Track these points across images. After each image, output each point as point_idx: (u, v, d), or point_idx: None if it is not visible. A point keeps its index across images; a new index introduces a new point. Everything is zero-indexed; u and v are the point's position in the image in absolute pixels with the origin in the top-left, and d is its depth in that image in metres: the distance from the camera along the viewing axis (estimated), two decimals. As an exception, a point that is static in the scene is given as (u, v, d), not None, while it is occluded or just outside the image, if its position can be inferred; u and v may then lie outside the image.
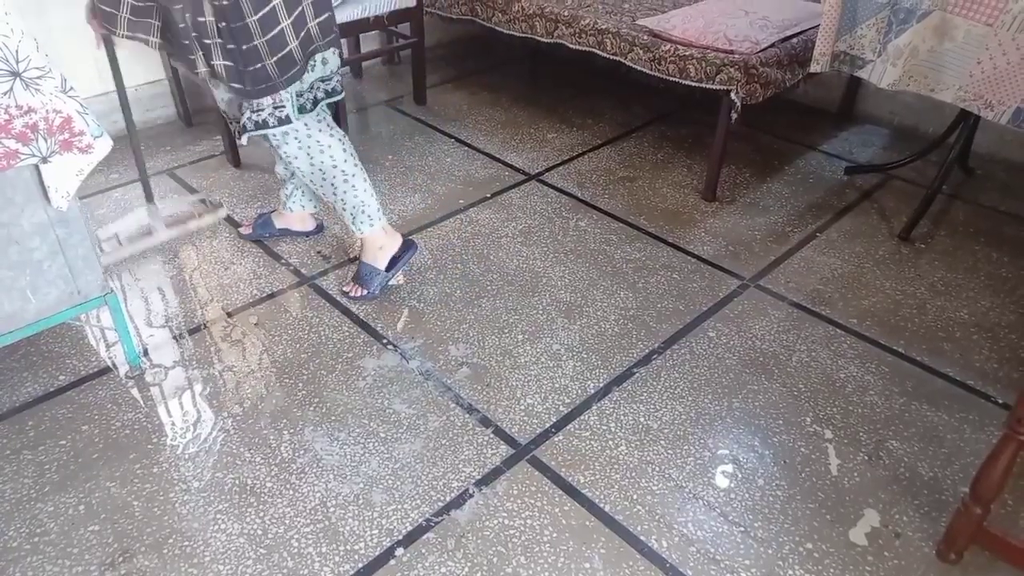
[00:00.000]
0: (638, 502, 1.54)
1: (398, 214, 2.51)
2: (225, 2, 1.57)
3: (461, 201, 2.59)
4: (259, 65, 1.68)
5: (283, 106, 1.80)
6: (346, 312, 2.06)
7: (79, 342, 1.95)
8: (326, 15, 1.77)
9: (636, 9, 2.79)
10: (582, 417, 1.74)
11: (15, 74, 1.32)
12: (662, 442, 1.68)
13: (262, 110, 1.80)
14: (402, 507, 1.53)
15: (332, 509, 1.52)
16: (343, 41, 2.69)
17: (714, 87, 2.39)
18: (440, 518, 1.51)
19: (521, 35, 2.94)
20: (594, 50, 2.69)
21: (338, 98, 1.96)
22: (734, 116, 2.37)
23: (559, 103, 3.32)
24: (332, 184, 1.96)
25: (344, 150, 1.94)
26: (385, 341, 1.96)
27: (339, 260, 2.28)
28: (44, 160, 1.42)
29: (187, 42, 1.66)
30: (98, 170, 2.66)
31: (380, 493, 1.56)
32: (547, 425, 1.72)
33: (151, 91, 3.03)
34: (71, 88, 1.40)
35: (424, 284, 2.17)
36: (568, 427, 1.71)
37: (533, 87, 3.50)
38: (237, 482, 1.58)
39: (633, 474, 1.60)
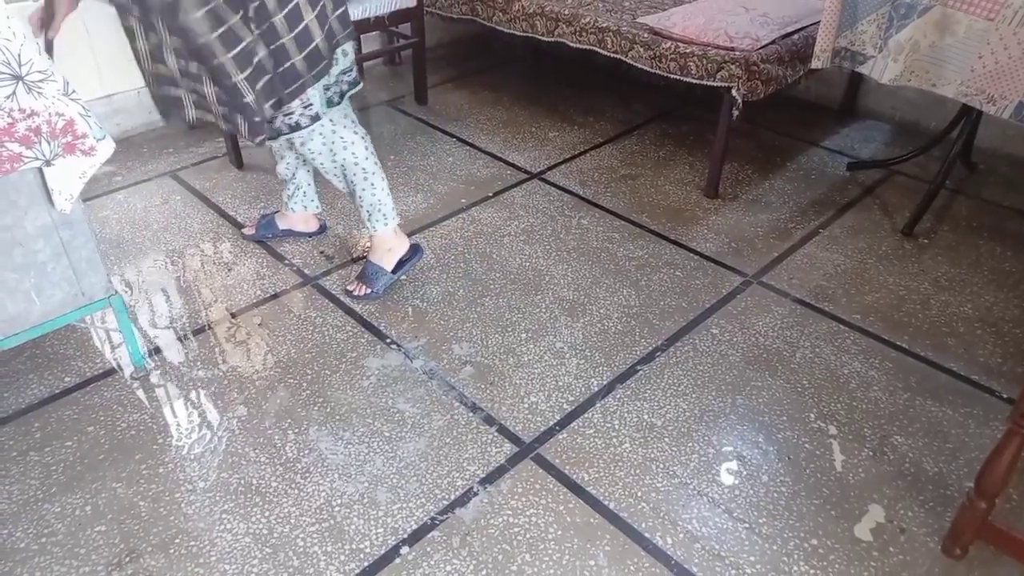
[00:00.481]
0: (642, 499, 1.54)
1: (400, 214, 2.50)
2: (254, 2, 1.57)
3: (463, 200, 2.59)
4: (288, 64, 1.67)
5: (311, 104, 1.81)
6: (350, 312, 2.07)
7: (84, 344, 1.95)
8: (343, 8, 1.78)
9: (636, 7, 2.79)
10: (586, 415, 1.74)
11: (18, 78, 1.32)
12: (666, 439, 1.68)
13: (292, 112, 1.80)
14: (407, 506, 1.53)
15: (337, 508, 1.53)
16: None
17: (715, 84, 2.38)
18: (445, 516, 1.51)
19: (522, 34, 2.94)
20: (595, 48, 2.69)
21: (358, 87, 1.96)
22: (735, 113, 2.37)
23: (560, 102, 3.32)
24: (352, 181, 1.97)
25: (366, 148, 1.95)
26: (389, 340, 1.97)
27: (342, 260, 2.29)
28: (47, 163, 1.42)
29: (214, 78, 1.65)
30: (101, 172, 2.67)
31: (385, 492, 1.56)
32: (551, 423, 1.72)
33: (153, 93, 3.03)
34: (73, 91, 1.40)
35: (427, 283, 2.18)
36: (572, 425, 1.71)
37: (534, 86, 3.50)
38: (242, 482, 1.58)
39: (637, 471, 1.60)
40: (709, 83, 2.40)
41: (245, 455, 1.64)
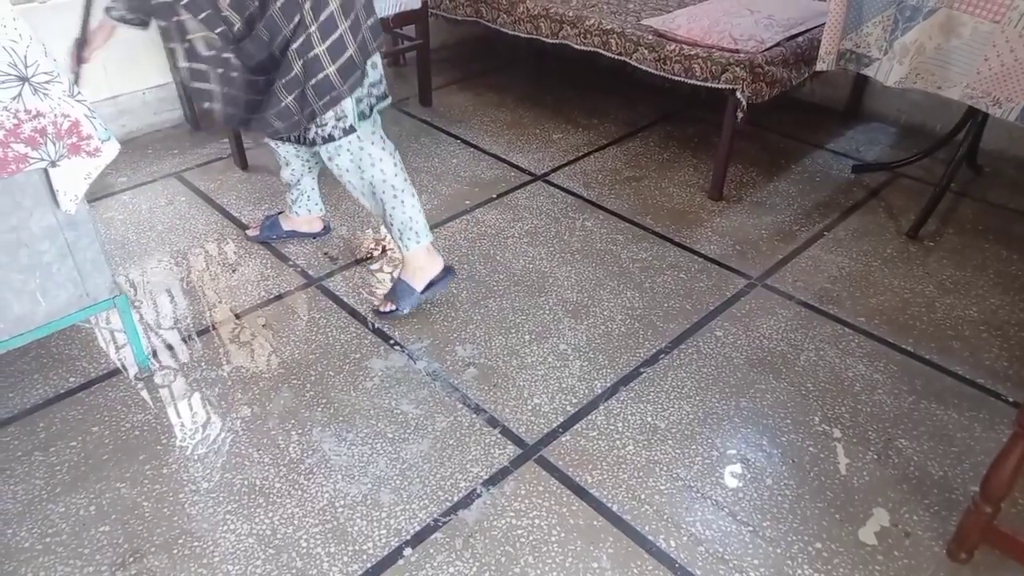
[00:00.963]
0: (646, 502, 1.54)
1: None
2: (296, 19, 1.58)
3: (467, 202, 2.60)
4: (322, 75, 1.66)
5: (345, 116, 1.78)
6: (353, 313, 2.07)
7: (89, 344, 1.96)
8: (374, 18, 1.77)
9: (641, 9, 2.79)
10: (589, 417, 1.74)
11: (24, 79, 1.33)
12: (670, 442, 1.68)
13: (326, 124, 1.78)
14: (410, 507, 1.53)
15: (340, 509, 1.53)
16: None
17: (720, 86, 2.38)
18: (448, 518, 1.51)
19: (526, 36, 2.94)
20: (599, 50, 2.69)
21: (388, 102, 1.95)
22: (740, 115, 2.37)
23: (564, 103, 3.32)
24: (381, 199, 1.92)
25: (395, 164, 1.91)
26: (392, 342, 1.97)
27: (346, 261, 2.29)
28: (53, 164, 1.43)
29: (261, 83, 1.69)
30: (106, 173, 2.68)
31: (388, 493, 1.56)
32: (554, 425, 1.72)
33: (158, 95, 3.05)
34: (79, 92, 1.41)
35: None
36: (575, 427, 1.71)
37: (538, 88, 3.50)
38: (246, 483, 1.58)
39: (641, 474, 1.60)
40: (714, 85, 2.40)
41: (249, 456, 1.64)
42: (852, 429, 1.71)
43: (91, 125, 1.43)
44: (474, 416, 1.74)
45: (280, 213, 2.38)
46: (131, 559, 1.43)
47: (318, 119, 1.76)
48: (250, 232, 2.38)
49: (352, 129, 1.81)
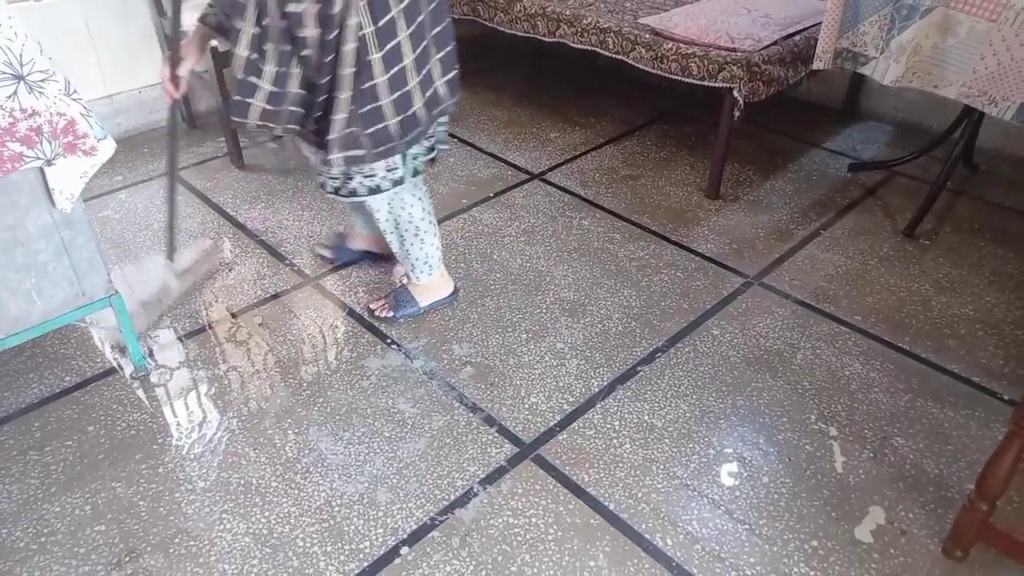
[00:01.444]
0: (643, 500, 1.54)
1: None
2: (359, 63, 1.50)
3: (464, 201, 2.59)
4: (381, 126, 1.58)
5: (396, 168, 1.72)
6: (350, 312, 2.07)
7: (84, 343, 1.95)
8: (453, 72, 1.68)
9: (638, 8, 2.79)
10: (586, 415, 1.74)
11: (19, 77, 1.32)
12: (666, 440, 1.68)
13: (374, 175, 1.71)
14: (407, 506, 1.53)
15: (337, 508, 1.53)
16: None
17: (717, 85, 2.38)
18: (445, 517, 1.51)
19: (523, 35, 2.94)
20: (596, 49, 2.69)
21: (444, 148, 1.88)
22: (737, 114, 2.37)
23: (561, 102, 3.32)
24: (401, 236, 1.89)
25: (423, 209, 1.87)
26: (389, 341, 1.96)
27: (343, 259, 2.29)
28: (48, 163, 1.42)
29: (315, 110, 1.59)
30: (102, 172, 2.67)
31: (385, 492, 1.56)
32: (551, 424, 1.72)
33: (155, 93, 3.04)
34: (75, 91, 1.40)
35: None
36: (572, 425, 1.71)
37: (535, 86, 3.50)
38: (242, 482, 1.58)
39: (637, 472, 1.60)
40: (710, 84, 2.40)
41: (245, 455, 1.64)
42: (848, 427, 1.71)
43: (87, 124, 1.43)
44: (471, 415, 1.74)
45: (346, 235, 2.27)
46: (127, 558, 1.43)
47: (365, 168, 1.68)
48: (326, 253, 2.27)
49: (401, 181, 1.74)
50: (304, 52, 1.50)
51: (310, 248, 2.32)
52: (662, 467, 1.61)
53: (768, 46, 2.40)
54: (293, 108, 1.58)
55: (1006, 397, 1.79)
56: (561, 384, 1.83)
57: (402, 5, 1.50)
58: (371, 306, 2.05)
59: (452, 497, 1.55)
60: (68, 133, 1.41)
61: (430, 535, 1.47)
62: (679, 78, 2.48)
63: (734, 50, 2.36)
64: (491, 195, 2.63)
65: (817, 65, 2.37)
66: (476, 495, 1.55)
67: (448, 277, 2.06)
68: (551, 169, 2.79)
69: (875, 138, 3.01)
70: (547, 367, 1.88)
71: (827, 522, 1.50)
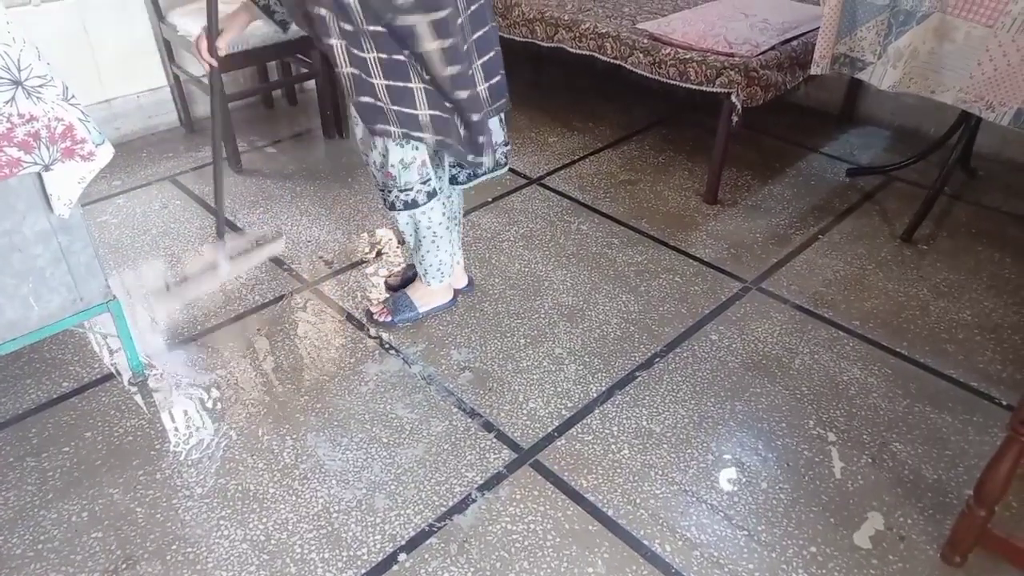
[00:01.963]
0: (641, 506, 1.54)
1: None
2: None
3: (462, 205, 2.59)
4: (413, 111, 1.58)
5: (429, 179, 1.74)
6: (349, 318, 2.07)
7: (82, 349, 1.95)
8: (497, 77, 1.69)
9: (636, 13, 2.79)
10: (584, 421, 1.74)
11: (17, 83, 1.32)
12: (665, 446, 1.68)
13: (410, 188, 1.73)
14: (405, 512, 1.53)
15: (335, 515, 1.52)
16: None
17: (715, 90, 2.39)
18: (443, 523, 1.50)
19: (521, 39, 2.95)
20: (594, 54, 2.70)
21: (503, 172, 1.89)
22: (735, 119, 2.37)
23: (559, 107, 3.32)
24: (420, 240, 1.88)
25: (443, 214, 1.85)
26: (387, 346, 1.96)
27: (341, 265, 2.29)
28: (46, 168, 1.42)
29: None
30: (100, 177, 2.67)
31: (383, 498, 1.56)
32: (549, 429, 1.72)
33: (153, 98, 3.04)
34: (73, 96, 1.40)
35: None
36: (571, 431, 1.71)
37: (534, 91, 3.50)
38: (240, 488, 1.58)
39: (636, 478, 1.60)
40: (708, 89, 2.40)
41: (243, 461, 1.64)
42: (847, 433, 1.71)
43: (85, 129, 1.43)
44: (469, 420, 1.74)
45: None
46: (124, 565, 1.42)
47: (401, 182, 1.70)
48: (391, 280, 2.19)
49: (435, 193, 1.74)
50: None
51: (384, 283, 2.21)
52: (661, 473, 1.61)
53: (766, 51, 2.40)
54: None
55: (1004, 402, 1.79)
56: (560, 389, 1.82)
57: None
58: (370, 309, 2.04)
59: (450, 503, 1.54)
60: (66, 138, 1.41)
61: (428, 542, 1.47)
62: (677, 83, 2.48)
63: (732, 55, 2.36)
64: (489, 200, 2.63)
65: (815, 70, 2.37)
66: (474, 501, 1.55)
67: (449, 286, 2.05)
68: (550, 174, 2.79)
69: (873, 143, 3.02)
70: (545, 372, 1.87)
71: (826, 528, 1.50)
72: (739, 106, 2.35)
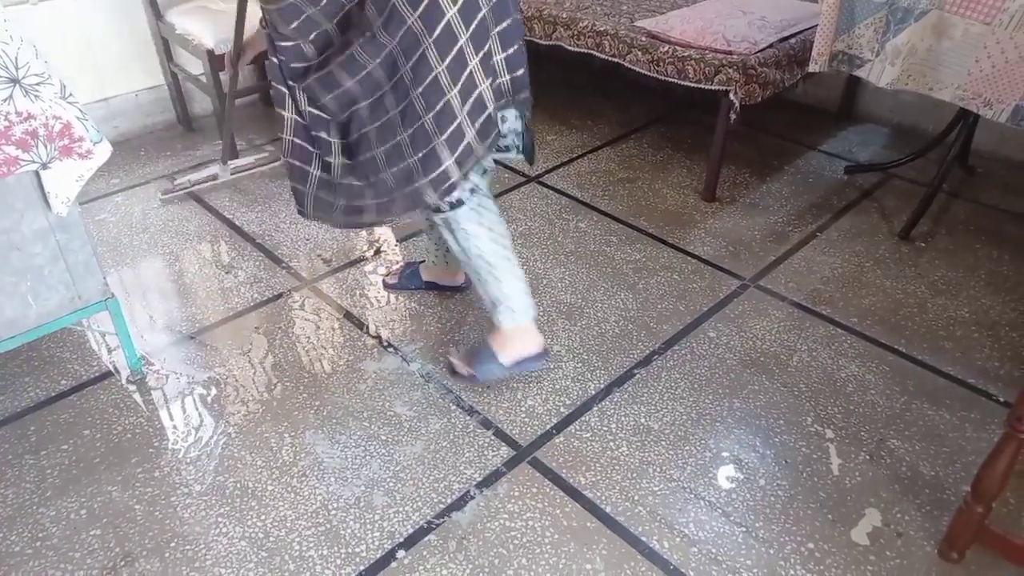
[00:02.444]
0: (639, 503, 1.54)
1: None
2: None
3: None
4: (429, 149, 1.47)
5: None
6: (347, 315, 2.07)
7: (80, 347, 1.95)
8: (520, 70, 1.61)
9: (634, 11, 2.79)
10: (583, 418, 1.74)
11: (15, 81, 1.32)
12: (663, 443, 1.68)
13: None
14: (403, 509, 1.53)
15: (333, 512, 1.52)
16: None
17: (713, 88, 2.39)
18: (441, 520, 1.51)
19: (520, 37, 2.94)
20: (592, 52, 2.69)
21: (512, 155, 1.74)
22: (733, 116, 2.37)
23: (558, 105, 3.32)
24: (476, 270, 1.71)
25: (492, 240, 1.68)
26: (386, 344, 1.96)
27: (340, 263, 2.29)
28: (44, 166, 1.42)
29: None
30: (98, 175, 2.67)
31: (381, 496, 1.56)
32: (548, 426, 1.72)
33: (151, 96, 3.04)
34: (70, 94, 1.40)
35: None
36: (569, 428, 1.71)
37: (531, 89, 3.49)
38: (239, 485, 1.58)
39: (634, 475, 1.60)
40: (707, 87, 2.40)
41: (241, 458, 1.64)
42: (844, 430, 1.71)
43: (83, 127, 1.43)
44: (468, 418, 1.74)
45: (420, 262, 2.16)
46: (122, 563, 1.43)
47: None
48: (388, 280, 2.18)
49: (460, 203, 1.61)
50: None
51: (381, 281, 2.21)
52: (659, 470, 1.61)
53: (764, 49, 2.40)
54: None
55: (1002, 399, 1.79)
56: (558, 387, 1.83)
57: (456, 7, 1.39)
58: (451, 360, 1.85)
59: (449, 500, 1.54)
60: (64, 136, 1.41)
61: (426, 539, 1.47)
62: (675, 81, 2.48)
63: (730, 53, 2.36)
64: (488, 198, 2.63)
65: (813, 68, 2.37)
66: (473, 498, 1.55)
67: (534, 333, 1.79)
68: (548, 172, 2.79)
69: (871, 140, 3.02)
70: (544, 370, 1.88)
71: (824, 524, 1.50)
72: (737, 104, 2.35)
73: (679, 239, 2.40)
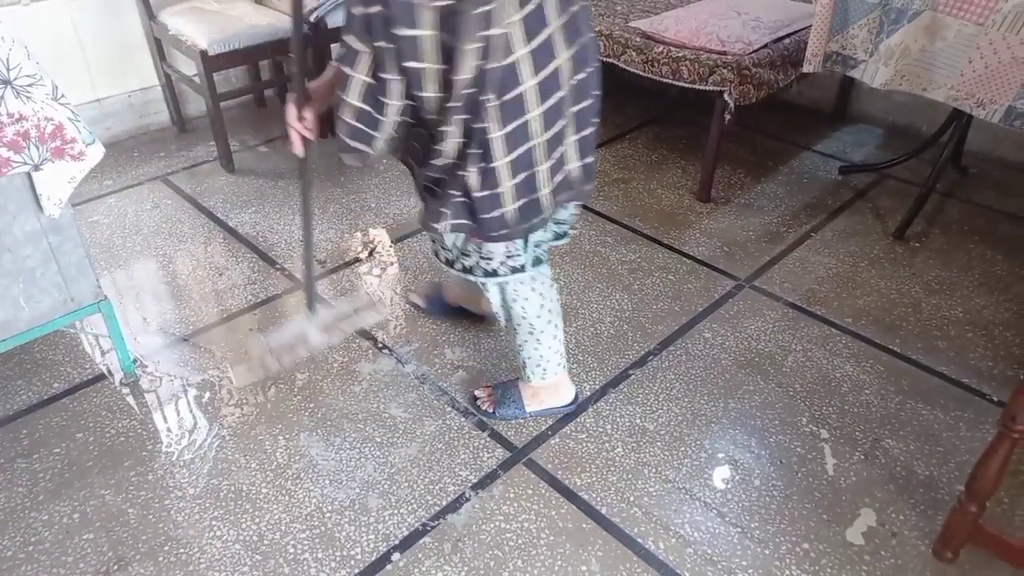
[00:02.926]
0: (635, 504, 1.54)
1: (393, 217, 2.51)
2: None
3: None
4: (497, 213, 1.33)
5: (518, 255, 1.48)
6: (341, 317, 2.06)
7: (73, 349, 1.94)
8: (590, 158, 1.43)
9: (629, 11, 2.79)
10: (578, 419, 1.74)
11: (6, 82, 1.31)
12: (658, 443, 1.68)
13: (491, 258, 1.48)
14: (398, 512, 1.52)
15: (328, 514, 1.52)
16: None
17: (707, 88, 2.39)
18: (436, 522, 1.50)
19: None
20: (587, 52, 2.69)
21: (564, 241, 1.63)
22: (728, 117, 2.38)
23: (553, 105, 3.31)
24: (516, 329, 1.64)
25: (542, 306, 1.59)
26: (381, 345, 1.96)
27: (334, 264, 2.28)
28: (36, 168, 1.41)
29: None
30: (91, 176, 2.66)
31: (376, 498, 1.55)
32: (543, 428, 1.72)
33: (144, 97, 3.03)
34: (62, 96, 1.40)
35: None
36: (564, 429, 1.71)
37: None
38: (232, 488, 1.57)
39: (629, 476, 1.60)
40: (701, 87, 2.40)
41: (235, 461, 1.63)
42: (839, 430, 1.71)
43: (75, 128, 1.42)
44: (463, 419, 1.74)
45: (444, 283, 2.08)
46: (115, 567, 1.42)
47: (484, 249, 1.47)
48: (418, 301, 2.09)
49: (522, 269, 1.51)
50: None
51: (402, 293, 2.14)
52: (654, 471, 1.61)
53: (758, 49, 2.41)
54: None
55: (995, 398, 1.80)
56: (553, 388, 1.82)
57: (539, 78, 1.25)
58: (476, 392, 1.79)
59: (444, 502, 1.54)
60: (56, 138, 1.40)
61: (422, 541, 1.47)
62: (670, 81, 2.48)
63: (725, 53, 2.37)
64: (483, 199, 2.62)
65: (807, 68, 2.38)
66: (468, 500, 1.55)
67: (564, 387, 1.75)
68: (543, 172, 2.79)
69: (865, 141, 3.03)
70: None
71: (819, 524, 1.50)
72: (732, 104, 2.35)
73: (674, 240, 2.40)
